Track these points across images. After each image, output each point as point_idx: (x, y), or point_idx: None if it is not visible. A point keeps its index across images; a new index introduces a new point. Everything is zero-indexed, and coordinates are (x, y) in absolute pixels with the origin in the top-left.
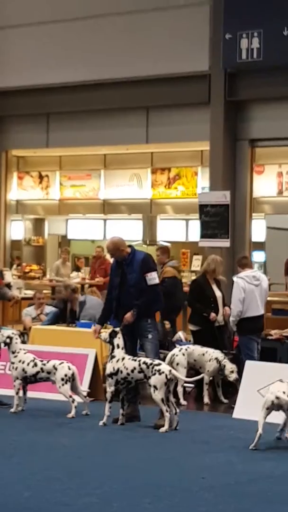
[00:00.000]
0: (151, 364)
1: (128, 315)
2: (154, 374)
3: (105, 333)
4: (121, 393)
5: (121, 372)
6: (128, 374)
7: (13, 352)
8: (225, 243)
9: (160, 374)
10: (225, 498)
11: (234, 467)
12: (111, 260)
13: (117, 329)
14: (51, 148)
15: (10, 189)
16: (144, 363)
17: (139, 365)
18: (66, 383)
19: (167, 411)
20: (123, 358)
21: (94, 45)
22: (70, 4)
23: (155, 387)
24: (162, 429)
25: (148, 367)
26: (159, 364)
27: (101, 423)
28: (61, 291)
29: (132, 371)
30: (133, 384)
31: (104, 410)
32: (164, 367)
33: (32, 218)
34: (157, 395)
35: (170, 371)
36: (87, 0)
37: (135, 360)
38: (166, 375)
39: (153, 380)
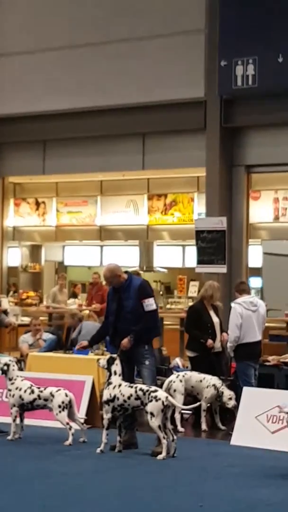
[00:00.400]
0: (147, 390)
1: (125, 341)
2: (151, 401)
3: (103, 360)
4: (118, 420)
5: (118, 399)
6: (124, 401)
7: (10, 379)
8: (221, 269)
9: (156, 401)
10: None
11: (233, 494)
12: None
13: (115, 355)
14: (48, 174)
15: (6, 216)
16: (141, 389)
17: (136, 391)
18: (63, 410)
19: (164, 438)
20: (119, 385)
21: (89, 72)
22: (66, 31)
23: (152, 414)
24: (160, 456)
25: (144, 393)
26: (155, 391)
27: (98, 450)
28: (68, 318)
29: (129, 398)
30: (130, 411)
31: (101, 437)
32: (161, 393)
33: (29, 245)
34: (154, 422)
35: (166, 397)
36: (82, 27)
37: (132, 387)
38: (163, 402)
39: (150, 407)
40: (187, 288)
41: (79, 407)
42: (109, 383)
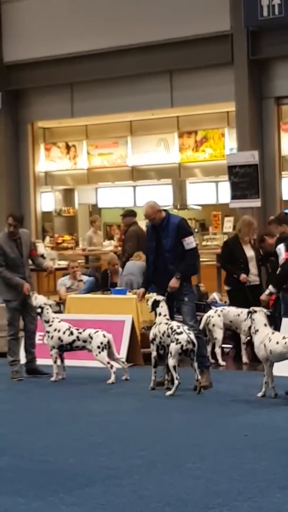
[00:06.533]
0: (174, 330)
1: (173, 281)
2: (173, 341)
3: (148, 302)
4: (166, 358)
5: (157, 337)
6: (161, 338)
7: (47, 322)
8: (256, 203)
9: (177, 344)
10: (268, 454)
11: (276, 424)
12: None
13: (159, 298)
14: (77, 117)
15: (38, 161)
16: (171, 328)
17: (167, 329)
18: (102, 350)
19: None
20: (160, 323)
21: (112, 12)
22: None
23: (170, 353)
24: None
25: (172, 332)
26: (180, 333)
27: (149, 388)
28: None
29: (163, 335)
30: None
31: (151, 375)
32: (183, 337)
33: (62, 189)
34: (170, 362)
35: (188, 342)
36: None
37: (167, 324)
38: (182, 346)
39: (171, 347)
40: (222, 224)
41: (119, 346)
42: (154, 323)
